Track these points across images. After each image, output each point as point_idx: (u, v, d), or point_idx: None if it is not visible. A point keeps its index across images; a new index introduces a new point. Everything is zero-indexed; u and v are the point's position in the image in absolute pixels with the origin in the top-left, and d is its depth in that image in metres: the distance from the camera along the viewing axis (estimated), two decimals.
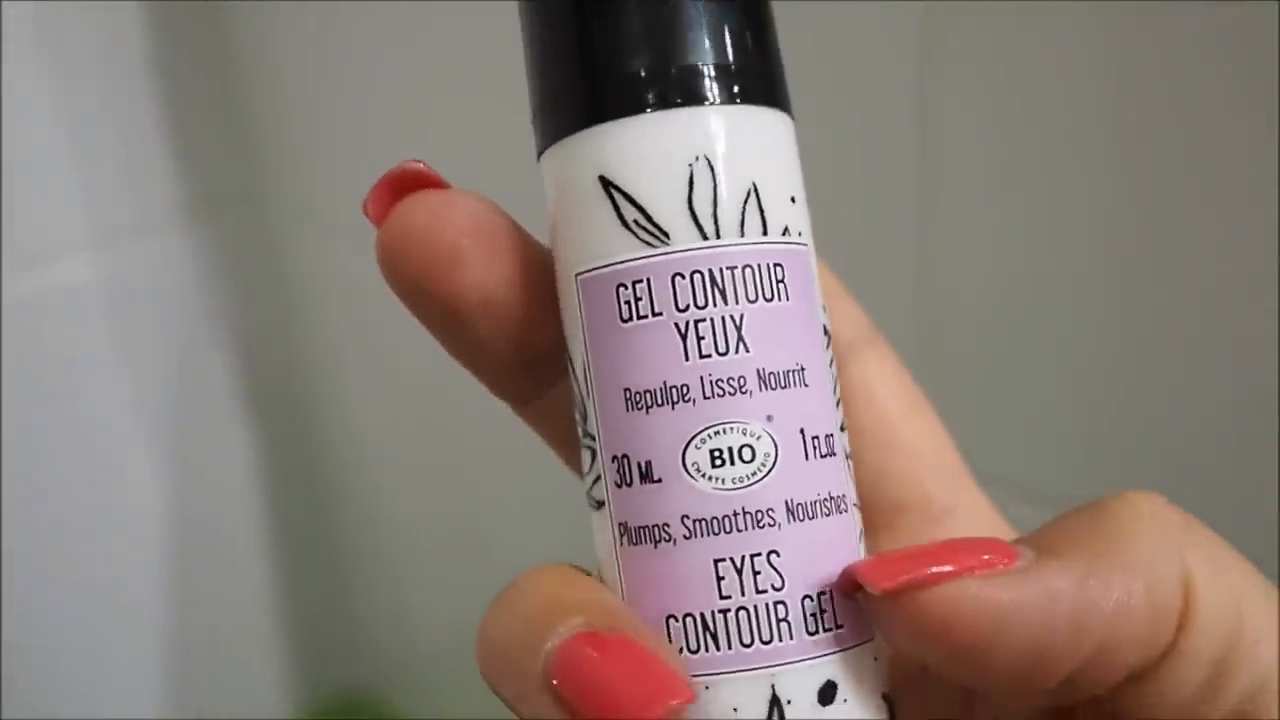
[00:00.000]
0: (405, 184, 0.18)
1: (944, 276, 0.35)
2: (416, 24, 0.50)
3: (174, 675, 0.64)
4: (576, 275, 0.18)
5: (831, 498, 0.17)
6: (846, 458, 0.18)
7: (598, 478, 0.18)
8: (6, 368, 0.54)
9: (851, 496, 0.18)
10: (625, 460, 0.17)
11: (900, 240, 0.35)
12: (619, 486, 0.17)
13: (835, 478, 0.17)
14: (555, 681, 0.16)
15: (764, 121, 0.18)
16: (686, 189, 0.17)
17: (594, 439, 0.18)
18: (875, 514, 0.20)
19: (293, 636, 0.70)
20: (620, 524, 0.17)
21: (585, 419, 0.18)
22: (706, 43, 0.17)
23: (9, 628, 0.56)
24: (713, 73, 0.17)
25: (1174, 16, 0.29)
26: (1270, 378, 0.30)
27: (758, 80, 0.18)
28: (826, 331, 0.18)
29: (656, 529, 0.17)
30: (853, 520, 0.18)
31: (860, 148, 0.35)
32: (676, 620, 0.17)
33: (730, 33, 0.18)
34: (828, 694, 0.17)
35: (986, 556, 0.16)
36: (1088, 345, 0.33)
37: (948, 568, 0.16)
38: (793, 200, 0.18)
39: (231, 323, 0.63)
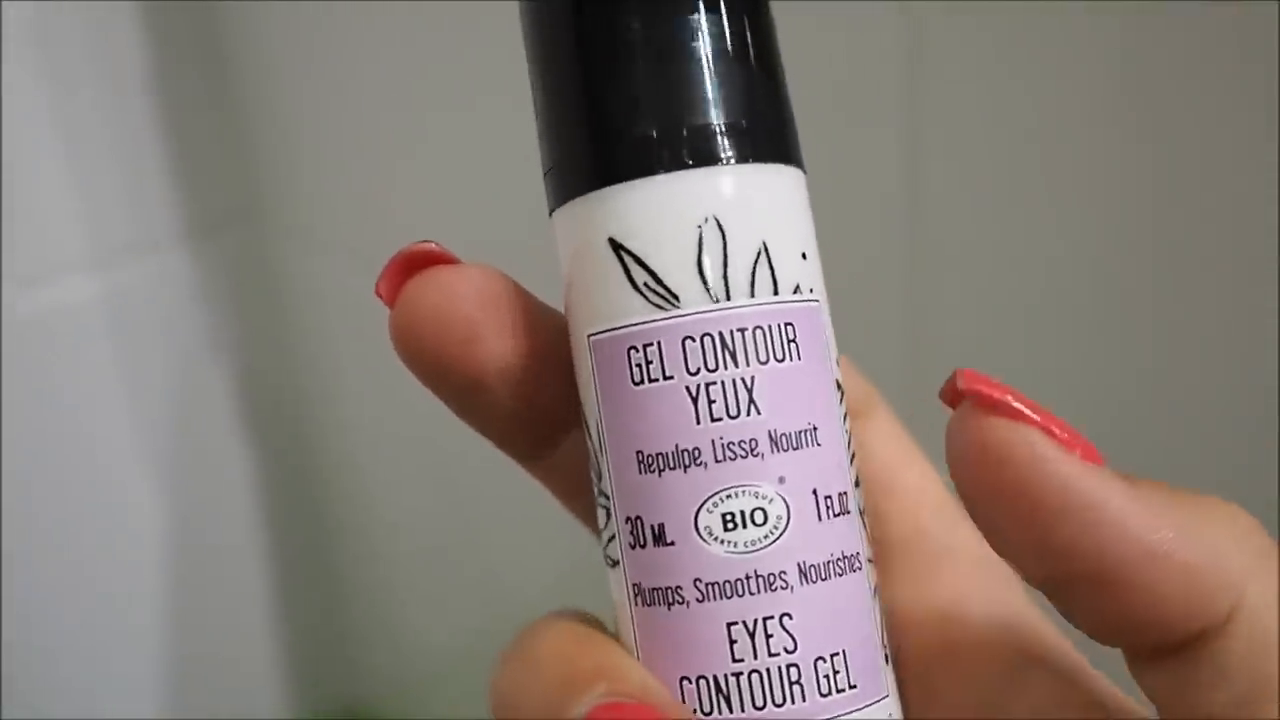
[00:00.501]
0: (415, 264, 0.18)
1: (934, 299, 0.35)
2: (415, 43, 0.50)
3: (171, 688, 0.64)
4: (589, 336, 0.18)
5: (845, 556, 0.17)
6: (860, 513, 0.18)
7: (612, 537, 0.18)
8: (7, 385, 0.54)
9: (865, 552, 0.18)
10: (639, 522, 0.17)
11: (890, 265, 0.35)
12: (633, 548, 0.17)
13: (848, 536, 0.17)
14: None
15: (774, 179, 0.18)
16: (696, 251, 0.17)
17: (609, 499, 0.18)
18: (874, 555, 0.20)
19: (290, 650, 0.70)
20: (635, 584, 0.17)
21: (600, 478, 0.18)
22: (714, 102, 0.17)
23: (9, 639, 0.56)
24: (721, 132, 0.17)
25: (1167, 18, 0.29)
26: (1270, 390, 0.30)
27: (766, 137, 0.18)
28: (840, 387, 0.18)
29: (670, 591, 0.17)
30: (866, 577, 0.18)
31: (848, 177, 0.35)
32: (690, 682, 0.17)
33: (738, 91, 0.18)
34: None
35: (1074, 446, 0.16)
36: (1082, 363, 0.33)
37: (1037, 415, 0.16)
38: (804, 257, 0.18)
39: (230, 340, 0.63)
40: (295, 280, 0.63)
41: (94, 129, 0.55)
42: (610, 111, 0.17)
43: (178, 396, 0.62)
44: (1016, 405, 0.16)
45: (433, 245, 0.18)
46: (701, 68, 0.17)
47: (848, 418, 0.18)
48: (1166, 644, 0.16)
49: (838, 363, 0.18)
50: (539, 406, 0.18)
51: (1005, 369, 0.35)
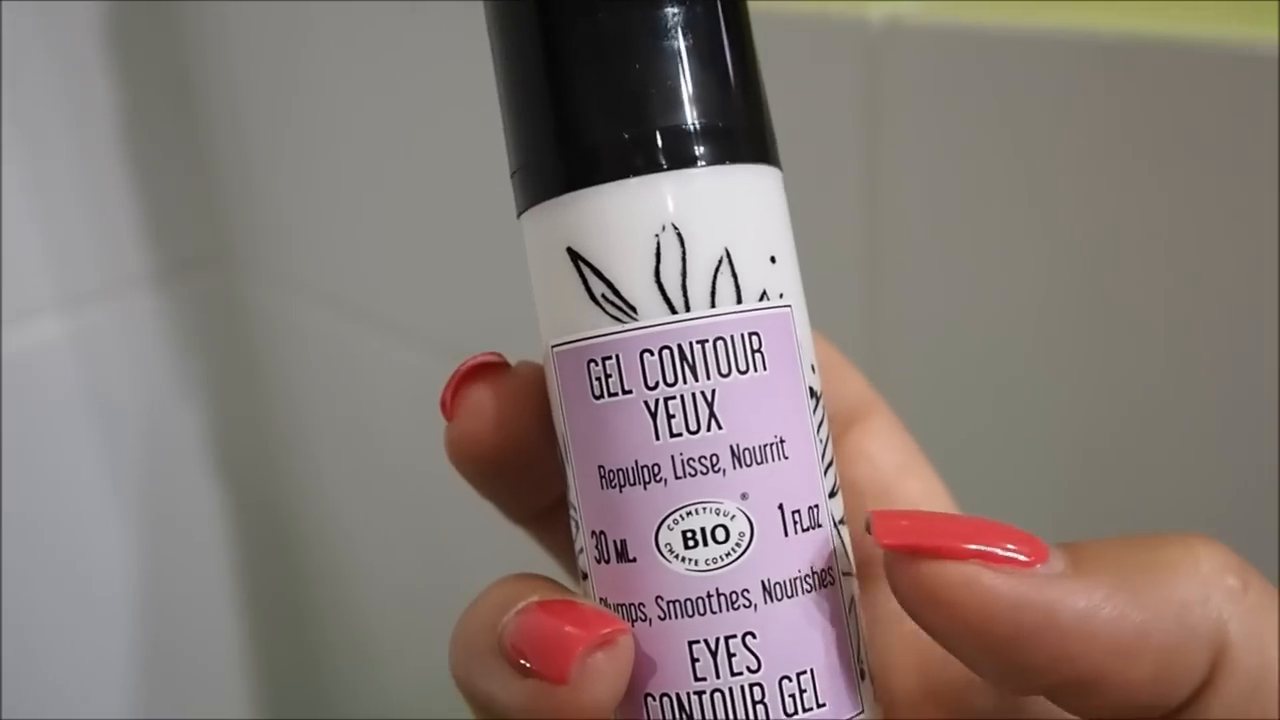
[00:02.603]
0: (471, 377, 0.19)
1: (894, 324, 0.35)
2: (385, 84, 0.50)
3: None
4: (551, 347, 0.17)
5: (814, 572, 0.17)
6: (837, 524, 0.17)
7: (581, 549, 0.18)
8: None
9: (841, 565, 0.17)
10: (603, 537, 0.17)
11: (848, 292, 0.35)
12: (599, 562, 0.17)
13: (819, 550, 0.17)
14: (511, 645, 0.16)
15: (738, 180, 0.17)
16: (653, 261, 0.17)
17: (576, 510, 0.17)
18: (874, 566, 0.20)
19: (261, 694, 0.70)
20: (601, 599, 0.17)
21: (569, 489, 0.18)
22: (675, 104, 0.17)
23: None
24: (682, 135, 0.17)
25: (1126, 56, 0.29)
26: (1240, 410, 0.29)
27: (731, 138, 0.17)
28: (814, 394, 0.17)
29: (633, 608, 0.17)
30: (839, 591, 0.17)
31: (806, 196, 0.34)
32: (654, 699, 0.17)
33: (701, 92, 0.17)
34: None
35: (1012, 547, 0.15)
36: (1041, 382, 0.33)
37: (961, 544, 0.15)
38: (772, 260, 0.17)
39: (200, 381, 0.63)
40: (265, 321, 0.63)
41: (62, 169, 0.55)
42: (567, 116, 0.17)
43: (147, 439, 0.62)
44: (940, 544, 0.15)
45: (489, 356, 0.19)
46: (660, 69, 0.17)
47: (824, 425, 0.18)
48: (1162, 715, 0.15)
49: (814, 368, 0.18)
50: (555, 485, 0.19)
51: (963, 387, 0.34)
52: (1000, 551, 0.15)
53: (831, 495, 0.17)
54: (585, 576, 0.18)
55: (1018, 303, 0.32)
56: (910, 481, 0.20)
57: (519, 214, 0.18)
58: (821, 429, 0.18)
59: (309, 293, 0.60)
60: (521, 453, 0.18)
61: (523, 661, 0.16)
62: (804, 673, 0.17)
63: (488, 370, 0.19)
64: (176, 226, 0.60)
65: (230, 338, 0.64)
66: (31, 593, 0.58)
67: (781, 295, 0.17)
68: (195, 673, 0.67)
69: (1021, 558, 0.15)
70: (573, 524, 0.18)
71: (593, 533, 0.17)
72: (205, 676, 0.67)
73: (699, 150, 0.17)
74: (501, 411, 0.18)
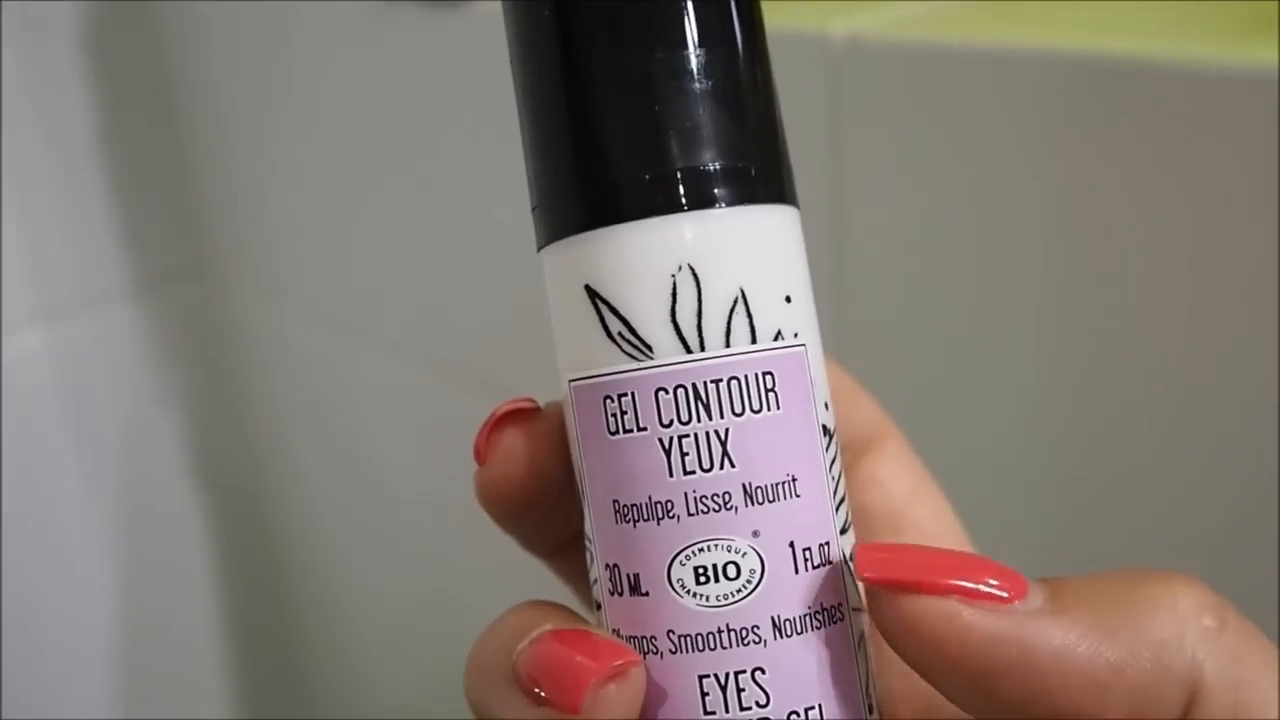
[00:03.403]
0: (505, 422, 0.19)
1: (857, 344, 0.35)
2: (365, 97, 0.50)
3: None
4: (569, 381, 0.18)
5: (825, 609, 0.17)
6: (847, 560, 0.18)
7: (595, 580, 0.18)
8: None
9: (852, 601, 0.18)
10: (616, 570, 0.17)
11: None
12: (612, 594, 0.17)
13: (830, 587, 0.17)
14: (525, 674, 0.17)
15: (754, 220, 0.17)
16: (669, 301, 0.17)
17: (592, 543, 0.18)
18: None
19: (242, 706, 0.70)
20: (614, 630, 0.18)
21: (584, 521, 0.18)
22: (693, 145, 0.17)
23: None
24: (700, 176, 0.17)
25: (1088, 82, 0.29)
26: (1214, 426, 0.29)
27: (748, 179, 0.17)
28: (827, 431, 0.18)
29: (645, 640, 0.17)
30: (849, 626, 0.17)
31: None
32: None
33: (720, 131, 0.17)
34: None
35: (993, 582, 0.16)
36: (1009, 413, 0.33)
37: (942, 579, 0.16)
38: (788, 300, 0.17)
39: (179, 393, 0.64)
40: (244, 333, 0.64)
41: (41, 182, 0.55)
42: (587, 155, 0.17)
43: (127, 450, 0.62)
44: (921, 578, 0.16)
45: (522, 403, 0.19)
46: (683, 108, 0.17)
47: (836, 462, 0.18)
48: None
49: (827, 405, 0.18)
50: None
51: (925, 403, 0.35)
52: (980, 587, 0.16)
53: (843, 532, 0.18)
54: (599, 607, 0.18)
55: (981, 317, 0.33)
56: (920, 508, 0.20)
57: (539, 249, 0.18)
58: (834, 466, 0.18)
59: (287, 305, 0.60)
60: (548, 493, 0.19)
61: (537, 690, 0.17)
62: (812, 708, 0.17)
63: (521, 416, 0.19)
64: (155, 239, 0.61)
65: (209, 350, 0.64)
66: (11, 604, 0.58)
67: (796, 335, 0.17)
68: (176, 683, 0.67)
69: (1001, 594, 0.16)
70: (588, 555, 0.18)
71: (607, 565, 0.17)
72: (186, 686, 0.67)
73: (718, 191, 0.17)
74: (532, 456, 0.19)
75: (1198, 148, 0.28)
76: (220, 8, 0.55)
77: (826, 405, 0.18)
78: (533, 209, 0.18)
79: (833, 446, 0.18)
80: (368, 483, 0.61)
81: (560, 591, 0.21)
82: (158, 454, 0.64)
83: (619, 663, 0.16)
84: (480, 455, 0.19)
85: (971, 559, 0.16)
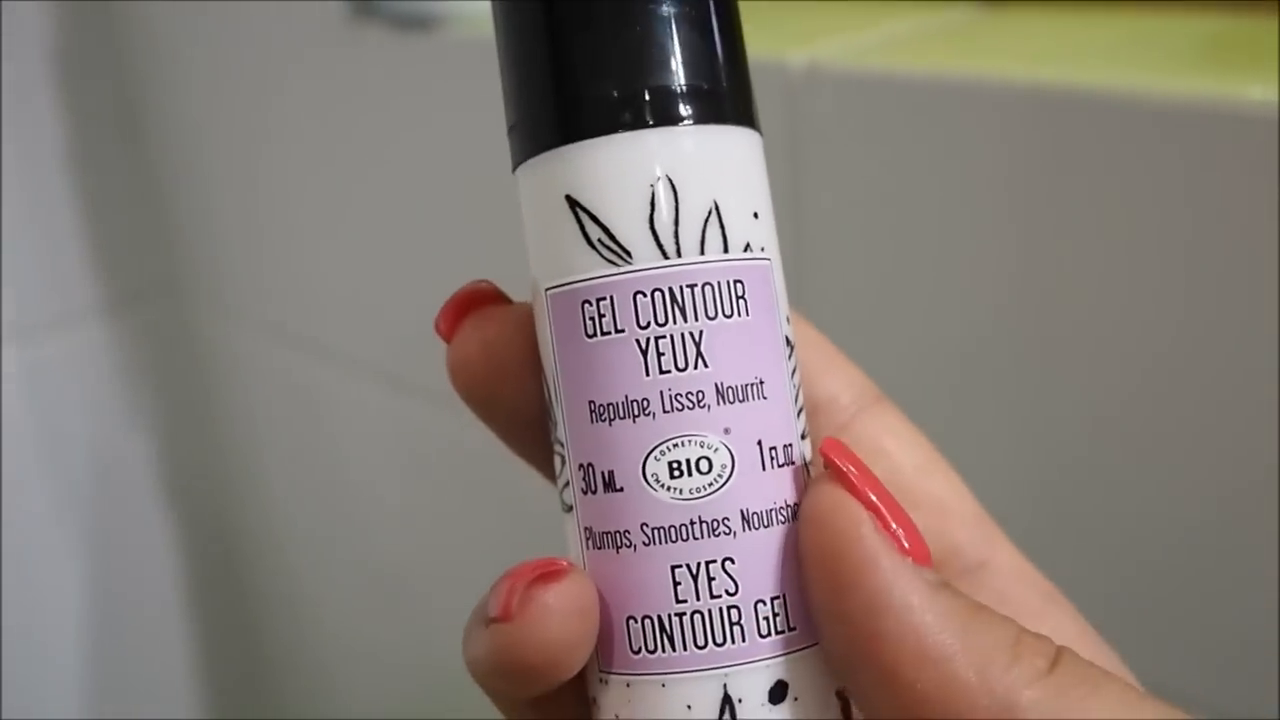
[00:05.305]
0: (470, 303, 0.19)
1: None
2: (334, 118, 0.51)
3: None
4: (546, 290, 0.18)
5: (788, 505, 0.18)
6: (807, 464, 0.19)
7: (567, 483, 0.19)
8: None
9: None
10: (590, 469, 0.18)
11: None
12: (585, 493, 0.18)
13: (793, 485, 0.18)
14: (480, 608, 0.18)
15: (727, 140, 0.18)
16: (648, 209, 0.18)
17: (564, 446, 0.18)
18: None
19: None
20: (586, 528, 0.18)
21: (555, 427, 0.19)
22: (672, 64, 0.18)
23: None
24: (677, 94, 0.18)
25: (1027, 106, 0.30)
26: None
27: (722, 100, 0.18)
28: (789, 342, 0.19)
29: (618, 535, 0.18)
30: None
31: None
32: (636, 621, 0.18)
33: (697, 54, 0.18)
34: (778, 693, 0.18)
35: (904, 537, 0.17)
36: (969, 437, 0.34)
37: (874, 496, 0.17)
38: (755, 216, 0.18)
39: (150, 412, 0.63)
40: (214, 352, 0.64)
41: (11, 202, 0.55)
42: (568, 71, 0.18)
43: (97, 469, 0.62)
44: (860, 485, 0.17)
45: (486, 285, 0.20)
46: (661, 30, 0.18)
47: (796, 373, 0.19)
48: None
49: (788, 319, 0.19)
50: None
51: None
52: (896, 529, 0.17)
53: (803, 437, 0.19)
54: (570, 509, 0.19)
55: (939, 344, 0.34)
56: (933, 481, 0.21)
57: (515, 166, 0.19)
58: (795, 376, 0.19)
59: (257, 323, 0.60)
60: (510, 381, 0.19)
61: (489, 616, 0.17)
62: (778, 598, 0.18)
63: (479, 298, 0.20)
64: (125, 259, 0.60)
65: (179, 369, 0.64)
66: None
67: (763, 249, 0.18)
68: (146, 700, 0.66)
69: (904, 543, 0.17)
70: (557, 459, 0.19)
71: (580, 465, 0.18)
72: (156, 704, 0.67)
73: (697, 110, 0.18)
74: (498, 345, 0.19)
75: (1156, 175, 0.29)
76: (190, 28, 0.55)
77: (788, 319, 0.19)
78: (510, 128, 0.19)
79: (793, 358, 0.19)
80: (337, 499, 0.61)
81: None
82: (128, 471, 0.63)
83: (552, 567, 0.17)
84: (440, 329, 0.20)
85: (908, 518, 0.17)
